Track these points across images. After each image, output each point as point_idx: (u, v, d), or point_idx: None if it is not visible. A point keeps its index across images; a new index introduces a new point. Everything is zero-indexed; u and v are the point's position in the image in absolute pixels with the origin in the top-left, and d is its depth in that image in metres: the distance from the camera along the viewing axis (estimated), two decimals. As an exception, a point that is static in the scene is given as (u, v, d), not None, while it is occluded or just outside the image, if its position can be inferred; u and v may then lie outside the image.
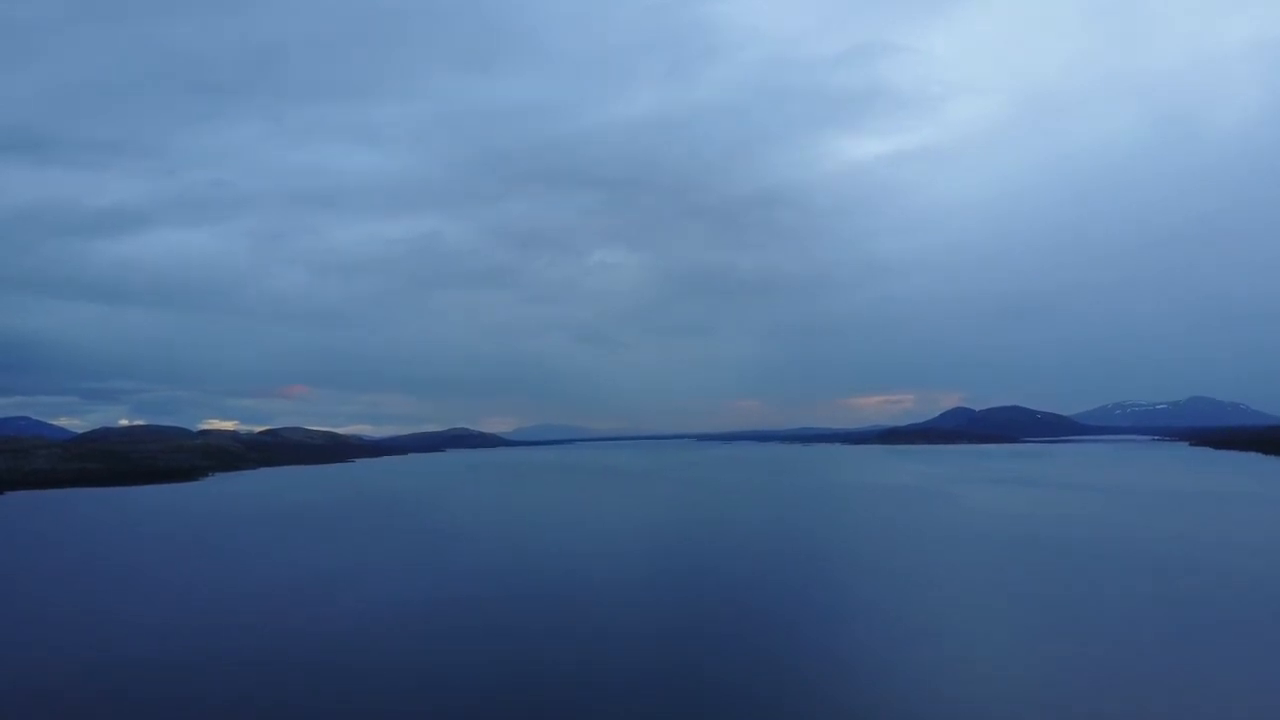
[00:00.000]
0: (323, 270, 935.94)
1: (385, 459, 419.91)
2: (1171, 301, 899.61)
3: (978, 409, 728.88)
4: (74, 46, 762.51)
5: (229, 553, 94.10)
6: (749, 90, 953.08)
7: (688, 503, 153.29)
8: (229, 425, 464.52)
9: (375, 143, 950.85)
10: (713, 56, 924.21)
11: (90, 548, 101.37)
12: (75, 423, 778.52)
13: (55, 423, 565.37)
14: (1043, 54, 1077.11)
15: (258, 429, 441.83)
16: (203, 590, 70.81)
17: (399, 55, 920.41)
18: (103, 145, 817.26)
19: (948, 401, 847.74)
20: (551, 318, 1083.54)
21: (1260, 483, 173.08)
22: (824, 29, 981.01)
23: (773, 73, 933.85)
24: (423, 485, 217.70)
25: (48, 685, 45.97)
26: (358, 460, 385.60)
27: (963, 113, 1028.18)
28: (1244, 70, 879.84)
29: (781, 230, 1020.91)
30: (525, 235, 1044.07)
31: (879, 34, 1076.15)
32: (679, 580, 71.52)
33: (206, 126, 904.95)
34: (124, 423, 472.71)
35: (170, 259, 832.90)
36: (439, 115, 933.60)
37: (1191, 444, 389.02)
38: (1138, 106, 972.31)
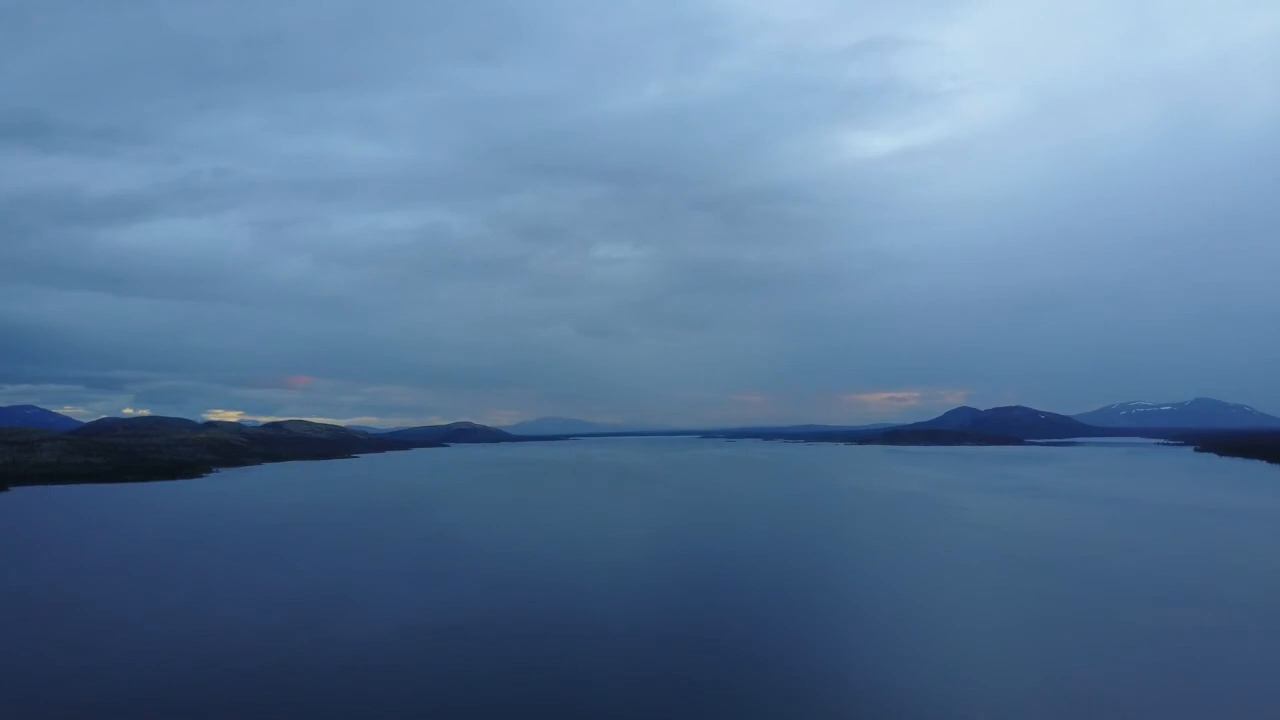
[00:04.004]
0: (327, 260, 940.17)
1: (388, 454, 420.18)
2: (1178, 302, 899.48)
3: (982, 409, 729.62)
4: (77, 33, 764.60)
5: (225, 556, 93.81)
6: (758, 82, 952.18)
7: (690, 507, 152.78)
8: (233, 416, 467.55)
9: (379, 133, 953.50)
10: (722, 47, 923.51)
11: (91, 551, 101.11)
12: (80, 412, 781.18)
13: (60, 411, 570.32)
14: (1057, 50, 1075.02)
15: (262, 420, 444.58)
16: (200, 596, 70.47)
17: (403, 44, 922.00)
18: (105, 132, 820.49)
19: (952, 399, 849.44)
20: (556, 310, 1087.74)
21: (1270, 496, 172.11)
22: (837, 21, 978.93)
23: (783, 65, 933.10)
24: (422, 485, 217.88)
25: (45, 691, 46.46)
26: (361, 456, 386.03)
27: (975, 108, 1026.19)
28: (1259, 68, 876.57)
29: (789, 224, 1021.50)
30: (530, 227, 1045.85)
31: (893, 28, 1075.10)
32: (678, 595, 70.91)
33: (210, 115, 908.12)
34: (129, 412, 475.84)
35: (174, 247, 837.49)
36: (444, 105, 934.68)
37: (1197, 449, 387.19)
38: (1151, 104, 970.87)
